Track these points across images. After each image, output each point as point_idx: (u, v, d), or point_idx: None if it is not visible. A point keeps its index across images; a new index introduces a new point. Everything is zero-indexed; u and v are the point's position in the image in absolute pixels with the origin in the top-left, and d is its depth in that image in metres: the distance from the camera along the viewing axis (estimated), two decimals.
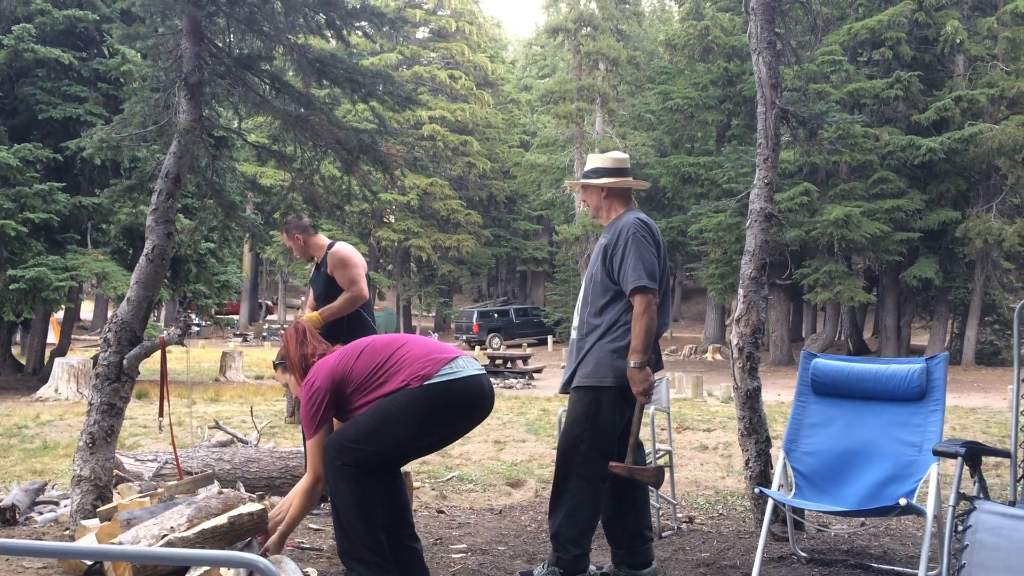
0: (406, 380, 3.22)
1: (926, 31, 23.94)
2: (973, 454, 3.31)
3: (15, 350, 19.75)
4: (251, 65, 4.80)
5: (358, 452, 3.23)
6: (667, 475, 5.08)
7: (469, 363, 3.34)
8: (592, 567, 3.78)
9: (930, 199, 23.57)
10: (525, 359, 19.88)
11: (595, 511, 3.60)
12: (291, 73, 5.22)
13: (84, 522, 3.34)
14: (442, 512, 5.28)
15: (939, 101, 22.86)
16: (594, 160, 3.88)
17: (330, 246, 4.89)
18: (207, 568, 2.90)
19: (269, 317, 44.83)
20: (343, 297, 4.69)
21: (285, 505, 3.48)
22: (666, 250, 3.75)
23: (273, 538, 3.40)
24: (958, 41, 22.72)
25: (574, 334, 3.77)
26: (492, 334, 32.77)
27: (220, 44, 4.72)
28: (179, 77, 4.42)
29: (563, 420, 3.81)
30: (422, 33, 38.88)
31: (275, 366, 3.65)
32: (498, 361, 19.75)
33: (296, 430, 8.92)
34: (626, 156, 3.93)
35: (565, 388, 3.72)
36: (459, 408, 3.31)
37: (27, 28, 14.22)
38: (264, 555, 3.28)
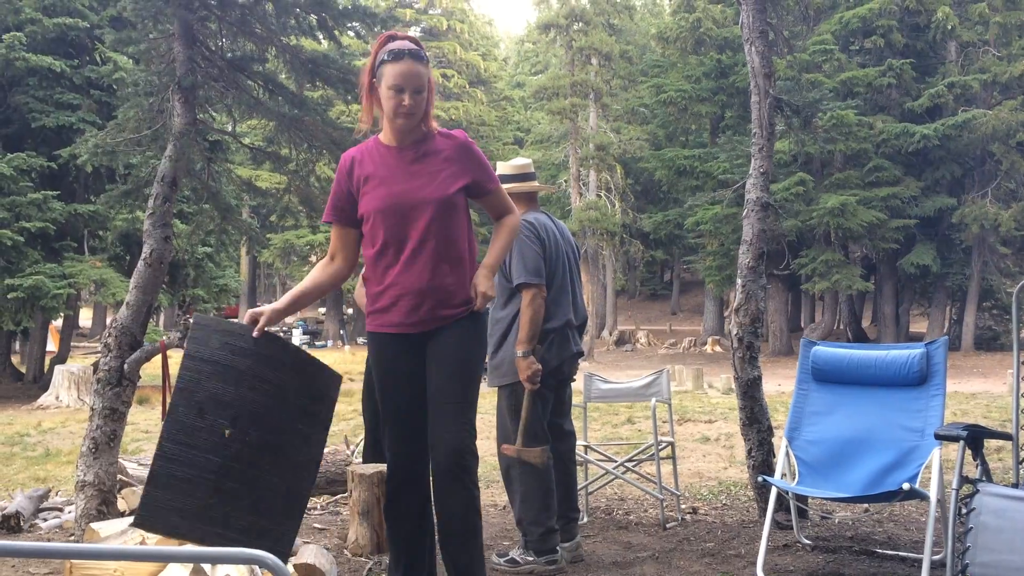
0: None
1: (917, 18, 23.97)
2: (975, 437, 3.32)
3: (15, 359, 19.74)
4: (244, 67, 4.80)
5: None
6: (670, 467, 5.11)
7: None
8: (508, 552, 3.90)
9: (925, 186, 23.60)
10: None
11: (546, 489, 3.84)
12: (284, 75, 5.22)
13: (93, 525, 3.35)
14: None
15: (932, 88, 22.90)
16: (500, 168, 4.15)
17: None
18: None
19: None
20: None
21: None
22: (565, 245, 4.05)
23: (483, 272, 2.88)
24: (950, 27, 22.75)
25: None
26: None
27: (212, 47, 4.72)
28: (172, 81, 4.42)
29: None
30: (413, 32, 38.85)
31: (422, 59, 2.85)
32: None
33: None
34: (529, 162, 4.24)
35: (490, 383, 4.05)
36: None
37: (18, 37, 14.20)
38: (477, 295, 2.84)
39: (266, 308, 2.69)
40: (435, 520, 2.98)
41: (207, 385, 2.54)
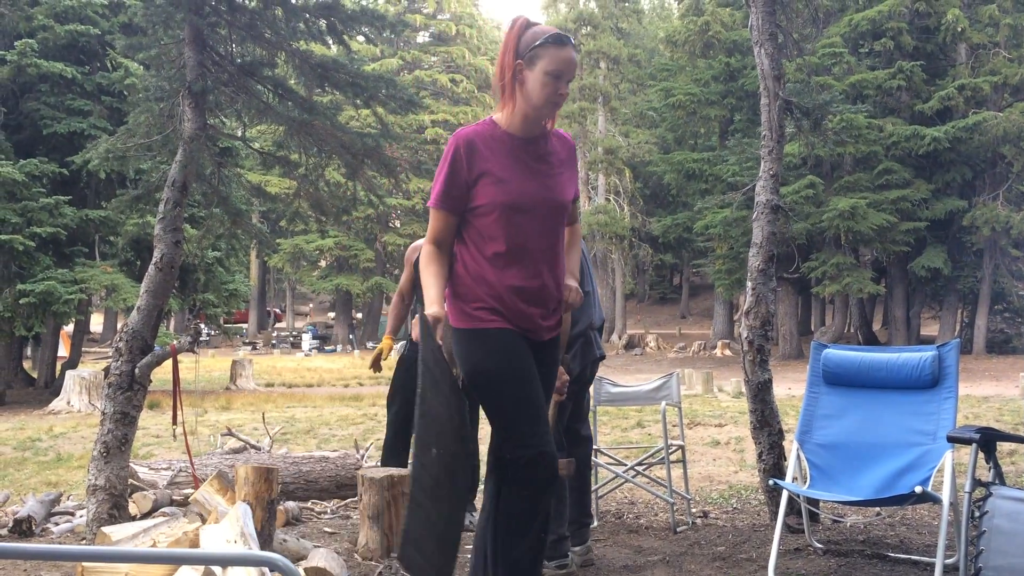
0: None
1: (927, 20, 23.89)
2: (988, 440, 3.29)
3: (27, 364, 19.84)
4: (254, 72, 4.81)
5: None
6: (681, 470, 5.09)
7: None
8: None
9: (936, 189, 23.51)
10: None
11: (558, 498, 3.78)
12: (293, 80, 5.24)
13: (104, 529, 3.36)
14: None
15: (942, 90, 22.81)
16: None
17: None
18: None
19: (278, 325, 44.95)
20: None
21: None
22: (582, 248, 3.92)
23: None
24: (959, 29, 22.67)
25: None
26: None
27: (222, 52, 4.74)
28: (183, 86, 4.44)
29: None
30: (422, 37, 38.96)
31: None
32: None
33: (309, 438, 8.92)
34: None
35: None
36: None
37: (30, 43, 14.29)
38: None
39: (440, 311, 2.51)
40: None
41: (431, 398, 2.32)
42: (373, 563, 3.93)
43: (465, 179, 2.64)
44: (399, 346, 4.78)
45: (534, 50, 2.61)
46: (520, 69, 2.63)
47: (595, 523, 4.76)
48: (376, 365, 4.80)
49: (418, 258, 4.79)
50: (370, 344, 34.70)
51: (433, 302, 2.56)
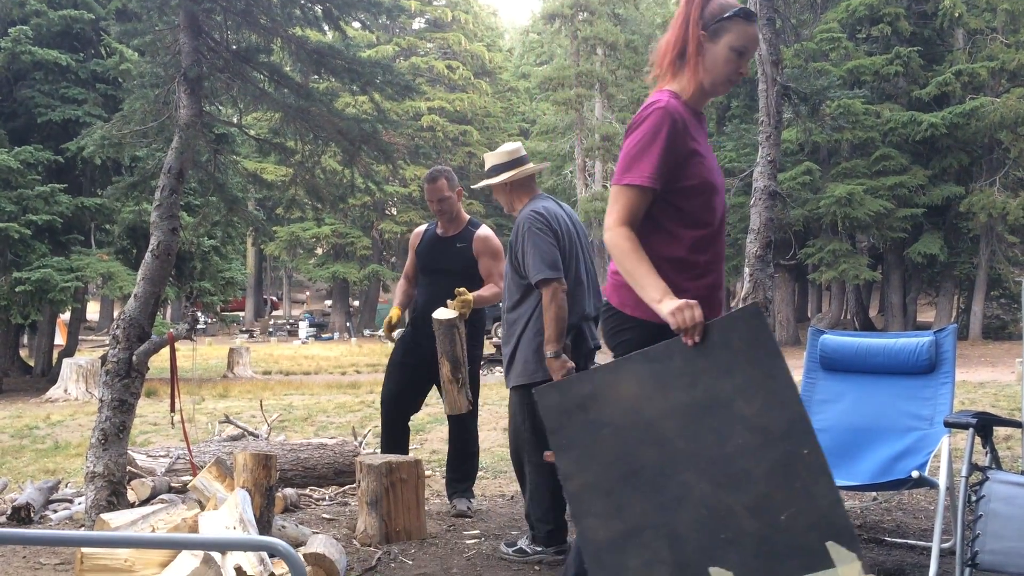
0: None
1: (924, 6, 23.84)
2: (984, 425, 3.30)
3: (23, 352, 19.83)
4: (250, 58, 4.79)
5: None
6: None
7: None
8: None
9: (933, 175, 23.51)
10: None
11: (554, 489, 3.76)
12: (289, 66, 5.21)
13: (103, 516, 3.36)
14: None
15: (939, 76, 22.78)
16: (491, 158, 3.98)
17: (474, 225, 4.74)
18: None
19: (275, 313, 44.93)
20: (495, 292, 4.45)
21: None
22: (577, 234, 3.87)
23: None
24: (957, 15, 22.61)
25: (502, 329, 3.91)
26: (497, 323, 32.74)
27: (218, 38, 4.71)
28: (178, 72, 4.42)
29: None
30: (418, 24, 38.78)
31: None
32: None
33: (306, 425, 8.95)
34: (518, 145, 4.01)
35: (508, 384, 3.91)
36: None
37: (23, 30, 14.22)
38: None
39: (698, 311, 2.22)
40: None
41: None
42: (372, 549, 3.94)
43: (678, 156, 2.40)
44: (397, 333, 4.75)
45: (720, 23, 2.44)
46: (703, 41, 2.47)
47: None
48: (389, 330, 4.72)
49: (419, 244, 4.79)
50: (367, 331, 34.69)
51: (667, 294, 2.26)
